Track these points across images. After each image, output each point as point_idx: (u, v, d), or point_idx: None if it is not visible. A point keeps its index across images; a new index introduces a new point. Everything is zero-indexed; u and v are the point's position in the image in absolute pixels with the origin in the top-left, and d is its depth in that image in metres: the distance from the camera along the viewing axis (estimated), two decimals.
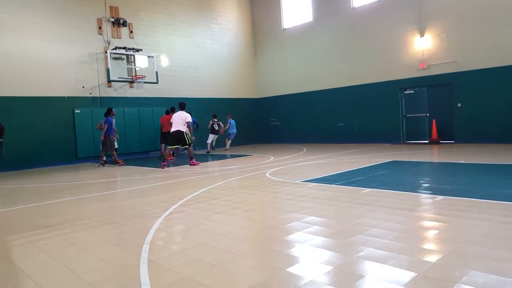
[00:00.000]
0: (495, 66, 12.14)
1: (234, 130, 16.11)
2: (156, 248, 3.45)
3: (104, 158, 12.10)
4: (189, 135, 10.66)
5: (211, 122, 15.39)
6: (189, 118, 10.62)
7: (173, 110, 13.10)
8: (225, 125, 15.73)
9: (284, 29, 18.62)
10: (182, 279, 2.72)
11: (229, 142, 16.20)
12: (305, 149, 14.18)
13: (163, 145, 13.47)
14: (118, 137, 12.62)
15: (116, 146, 12.63)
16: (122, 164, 11.89)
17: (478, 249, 2.96)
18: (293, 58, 18.22)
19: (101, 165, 11.87)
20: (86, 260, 3.27)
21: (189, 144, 10.69)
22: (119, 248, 3.57)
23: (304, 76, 17.74)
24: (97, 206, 5.62)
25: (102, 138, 11.60)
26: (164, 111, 14.39)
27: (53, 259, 3.32)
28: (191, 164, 10.62)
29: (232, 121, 16.04)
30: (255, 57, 20.20)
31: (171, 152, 12.83)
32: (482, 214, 3.94)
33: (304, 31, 17.71)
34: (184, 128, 10.53)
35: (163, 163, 10.53)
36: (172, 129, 10.63)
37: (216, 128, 15.39)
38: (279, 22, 18.81)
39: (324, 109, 17.09)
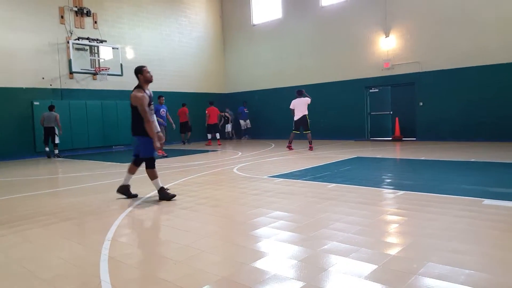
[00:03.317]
0: (455, 67, 12.64)
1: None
2: (117, 245, 3.36)
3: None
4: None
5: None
6: (309, 100, 11.57)
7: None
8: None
9: (254, 25, 18.58)
10: (144, 276, 2.66)
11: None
12: (273, 144, 14.26)
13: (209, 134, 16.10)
14: (174, 127, 13.65)
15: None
16: (165, 155, 11.48)
17: (435, 242, 3.08)
18: (262, 54, 18.22)
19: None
20: (43, 257, 3.14)
21: (309, 130, 11.63)
22: (79, 245, 3.45)
23: (273, 72, 17.78)
24: (56, 202, 5.40)
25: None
26: (208, 103, 16.03)
27: (7, 257, 3.16)
28: (310, 149, 11.72)
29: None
30: (224, 52, 20.04)
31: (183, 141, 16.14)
32: (440, 208, 4.09)
33: (273, 28, 17.74)
34: (306, 112, 11.48)
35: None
36: (296, 116, 11.65)
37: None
38: (248, 17, 18.74)
39: None
